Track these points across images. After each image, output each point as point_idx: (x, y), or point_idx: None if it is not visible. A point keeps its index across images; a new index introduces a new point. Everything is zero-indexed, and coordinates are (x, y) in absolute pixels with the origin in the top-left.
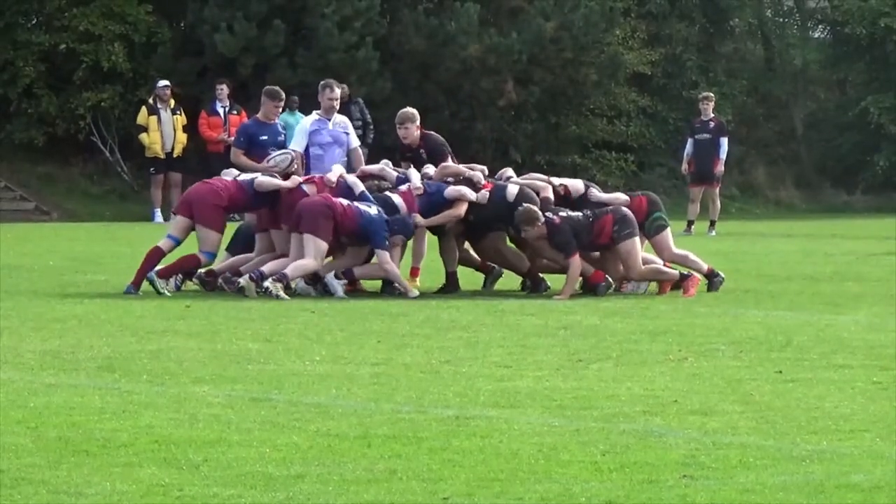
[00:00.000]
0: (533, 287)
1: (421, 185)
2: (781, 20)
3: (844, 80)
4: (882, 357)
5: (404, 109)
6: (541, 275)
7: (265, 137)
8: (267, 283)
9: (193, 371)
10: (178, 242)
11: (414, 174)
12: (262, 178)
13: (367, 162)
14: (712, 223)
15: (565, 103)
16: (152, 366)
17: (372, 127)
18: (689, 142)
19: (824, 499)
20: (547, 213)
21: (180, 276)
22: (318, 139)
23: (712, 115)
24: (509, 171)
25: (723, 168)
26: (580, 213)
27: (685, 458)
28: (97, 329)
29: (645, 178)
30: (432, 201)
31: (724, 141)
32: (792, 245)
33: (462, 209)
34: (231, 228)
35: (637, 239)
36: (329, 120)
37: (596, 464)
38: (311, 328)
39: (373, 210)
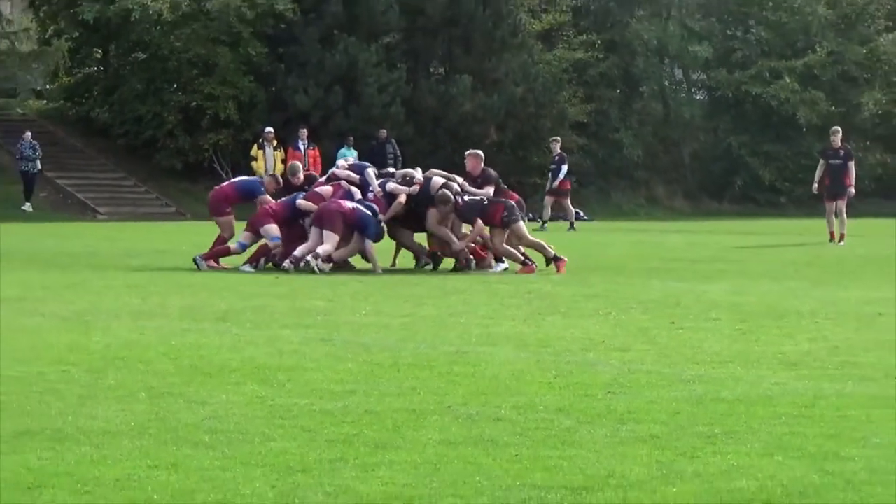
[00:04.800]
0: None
1: (380, 188)
2: (675, 87)
3: (716, 126)
4: (741, 313)
5: (294, 164)
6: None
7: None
8: (311, 261)
9: (280, 320)
10: (244, 247)
11: (371, 177)
12: (301, 201)
13: None
14: (571, 224)
15: (530, 143)
16: (253, 317)
17: (401, 159)
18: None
19: (702, 407)
20: (457, 197)
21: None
22: None
23: (559, 151)
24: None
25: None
26: (479, 199)
27: (610, 380)
28: (216, 292)
29: (581, 193)
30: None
31: (564, 168)
32: (681, 238)
33: (403, 198)
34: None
35: (522, 222)
36: None
37: (550, 384)
38: (360, 292)
39: (368, 212)
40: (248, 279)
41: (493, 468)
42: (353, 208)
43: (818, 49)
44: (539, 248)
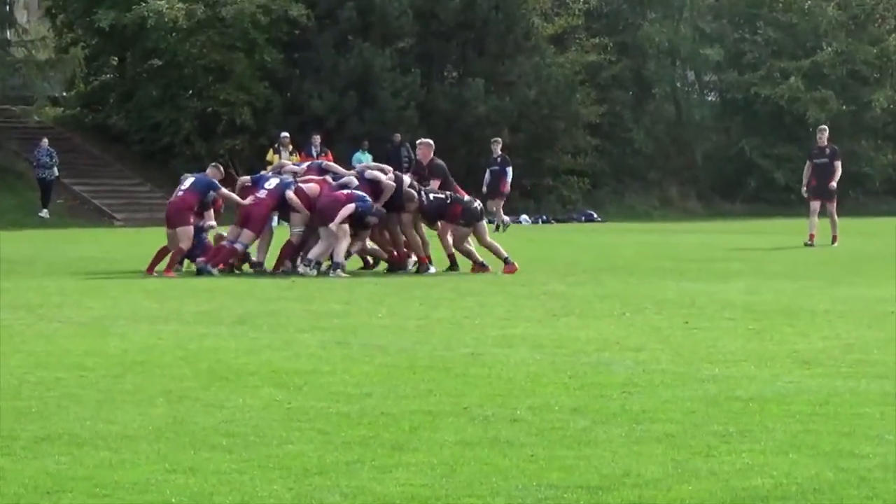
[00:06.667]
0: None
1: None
2: (687, 89)
3: (728, 128)
4: (755, 312)
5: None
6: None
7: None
8: (332, 275)
9: (297, 324)
10: (246, 247)
11: (336, 167)
12: (291, 195)
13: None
14: (498, 227)
15: (543, 145)
16: (270, 321)
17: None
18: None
19: (716, 406)
20: (422, 194)
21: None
22: None
23: (500, 152)
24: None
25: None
26: (444, 195)
27: (625, 380)
28: (233, 296)
29: (595, 195)
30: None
31: (509, 170)
32: (694, 238)
33: (385, 179)
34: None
35: (482, 223)
36: None
37: (565, 384)
38: (375, 295)
39: (362, 194)
40: (264, 284)
41: (509, 469)
42: (348, 193)
43: (827, 48)
44: (495, 251)
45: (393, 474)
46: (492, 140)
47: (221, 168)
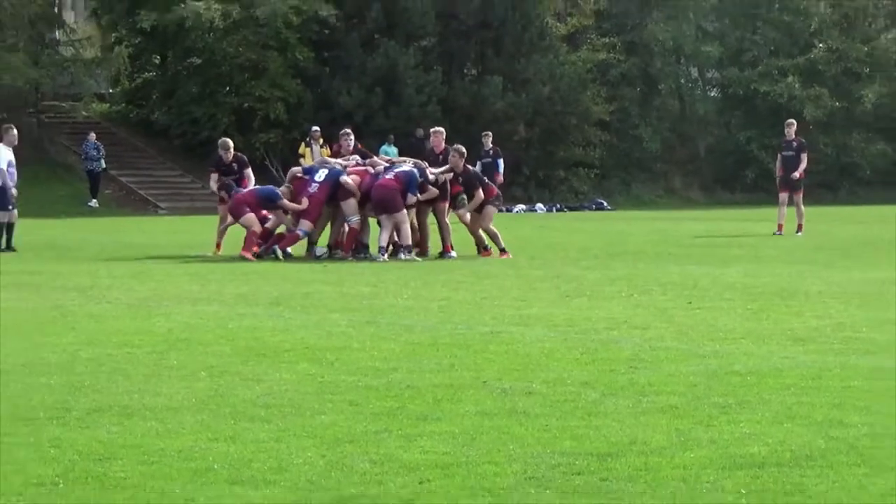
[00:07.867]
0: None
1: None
2: (690, 85)
3: (729, 122)
4: (753, 294)
5: (225, 140)
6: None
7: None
8: (402, 255)
9: (329, 305)
10: (307, 234)
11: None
12: (345, 179)
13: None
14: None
15: (556, 139)
16: (304, 302)
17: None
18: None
19: (717, 380)
20: (467, 165)
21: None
22: None
23: (491, 145)
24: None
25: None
26: (482, 176)
27: (632, 356)
28: (269, 279)
29: (604, 185)
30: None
31: (500, 161)
32: (698, 225)
33: (444, 176)
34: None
35: (494, 209)
36: None
37: (577, 360)
38: (401, 278)
39: (408, 169)
40: (298, 268)
41: (525, 437)
42: (395, 176)
43: (821, 46)
44: (494, 238)
45: (418, 442)
46: (483, 133)
47: (293, 189)
